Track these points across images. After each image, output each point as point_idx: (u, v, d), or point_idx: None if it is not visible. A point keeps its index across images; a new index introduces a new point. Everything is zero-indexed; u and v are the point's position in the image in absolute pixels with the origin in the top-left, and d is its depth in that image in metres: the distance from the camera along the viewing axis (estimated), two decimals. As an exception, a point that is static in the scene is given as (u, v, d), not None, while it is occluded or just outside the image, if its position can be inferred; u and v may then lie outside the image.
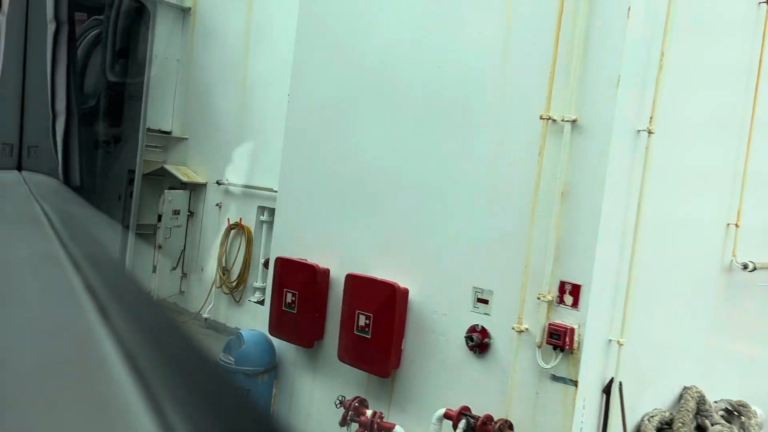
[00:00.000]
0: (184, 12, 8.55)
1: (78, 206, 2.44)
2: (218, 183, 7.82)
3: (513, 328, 4.17)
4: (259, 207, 7.37)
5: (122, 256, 7.84)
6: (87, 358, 0.81)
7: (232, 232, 7.62)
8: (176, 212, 8.01)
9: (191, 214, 8.28)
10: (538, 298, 4.04)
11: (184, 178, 8.05)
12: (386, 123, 4.78)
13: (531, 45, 4.18)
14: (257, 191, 7.29)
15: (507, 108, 4.31)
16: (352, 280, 4.67)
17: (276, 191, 6.74)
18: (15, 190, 2.49)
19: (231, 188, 7.72)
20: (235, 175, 7.63)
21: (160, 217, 7.82)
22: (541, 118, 4.09)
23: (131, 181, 8.28)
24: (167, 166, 8.23)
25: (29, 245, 1.30)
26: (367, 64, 4.92)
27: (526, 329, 4.12)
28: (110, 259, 1.29)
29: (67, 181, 4.42)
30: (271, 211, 7.05)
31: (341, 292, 4.86)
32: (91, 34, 8.32)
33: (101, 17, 8.24)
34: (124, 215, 8.41)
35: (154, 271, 8.07)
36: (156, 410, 0.64)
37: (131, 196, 8.10)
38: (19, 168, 3.64)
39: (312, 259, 5.12)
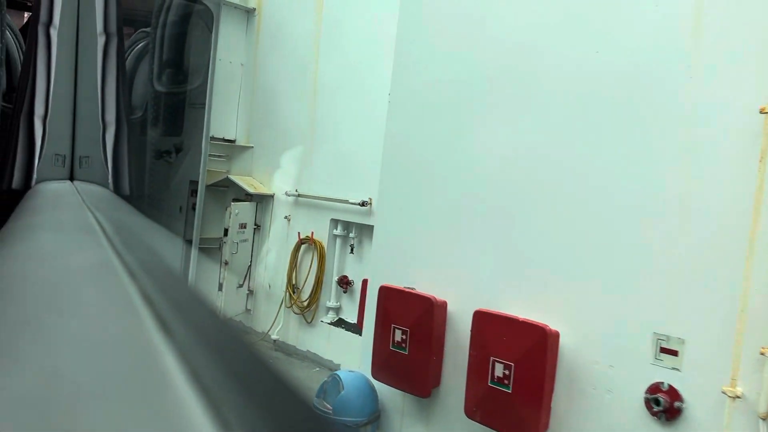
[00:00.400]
0: (249, 13, 9.60)
1: (131, 215, 2.74)
2: (287, 194, 8.69)
3: (723, 392, 3.74)
4: (332, 220, 8.06)
5: (185, 271, 8.82)
6: (149, 372, 0.87)
7: (303, 246, 8.44)
8: (243, 226, 8.92)
9: (257, 227, 9.22)
10: (762, 354, 3.60)
11: (250, 189, 8.97)
12: (521, 124, 4.79)
13: (731, 20, 3.83)
14: (330, 203, 8.01)
15: (706, 101, 3.96)
16: (483, 319, 4.69)
17: (353, 203, 7.61)
18: (68, 199, 2.87)
19: (301, 200, 8.55)
20: (306, 186, 8.46)
21: (226, 231, 8.75)
22: (761, 112, 3.70)
23: (193, 192, 9.28)
24: (232, 177, 9.21)
25: (84, 254, 1.46)
26: (495, 53, 4.96)
27: (742, 394, 3.68)
28: (166, 269, 1.40)
29: (122, 191, 5.10)
30: (345, 225, 7.96)
31: (462, 331, 4.92)
32: (151, 39, 9.48)
33: (160, 22, 9.39)
34: (185, 228, 9.52)
35: (220, 288, 8.93)
36: (223, 430, 0.66)
37: (194, 207, 9.10)
38: (71, 178, 4.35)
39: (421, 288, 5.26)
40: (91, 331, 0.97)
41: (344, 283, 8.04)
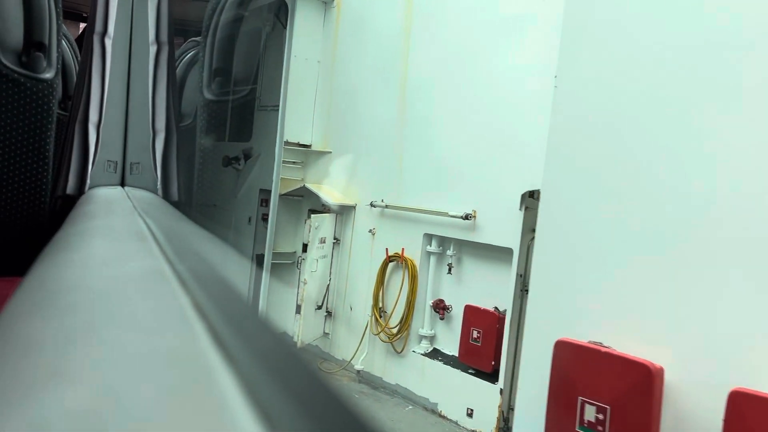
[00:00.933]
0: (326, 5, 8.80)
1: (181, 222, 2.76)
2: (372, 205, 7.81)
3: None
4: (425, 235, 7.19)
5: (255, 290, 8.34)
6: (204, 389, 0.84)
7: (391, 264, 7.56)
8: (322, 240, 8.11)
9: (336, 241, 8.39)
10: None
11: (330, 200, 8.18)
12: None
13: None
14: (423, 215, 7.15)
15: None
16: (748, 403, 3.29)
17: (453, 216, 6.67)
18: (120, 205, 2.92)
19: (388, 211, 7.65)
20: (394, 196, 7.59)
21: (305, 247, 7.95)
22: None
23: (264, 202, 8.75)
24: (309, 185, 8.49)
25: (136, 262, 1.46)
26: (708, 31, 3.87)
27: None
28: (219, 279, 1.38)
29: (171, 197, 5.21)
30: (442, 240, 7.06)
31: (691, 413, 3.65)
32: (217, 37, 9.52)
33: (228, 17, 9.40)
34: (255, 241, 8.99)
35: (298, 311, 8.03)
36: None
37: (264, 219, 8.62)
38: (122, 184, 4.49)
39: (614, 344, 3.97)
40: (145, 345, 0.95)
41: (440, 308, 7.03)
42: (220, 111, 9.96)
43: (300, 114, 8.65)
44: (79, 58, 8.91)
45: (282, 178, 8.36)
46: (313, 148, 8.78)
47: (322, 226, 8.05)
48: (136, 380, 0.84)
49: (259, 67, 9.65)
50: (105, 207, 2.97)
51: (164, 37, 5.72)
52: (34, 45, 6.30)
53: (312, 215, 8.00)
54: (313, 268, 7.98)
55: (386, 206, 7.63)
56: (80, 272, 1.41)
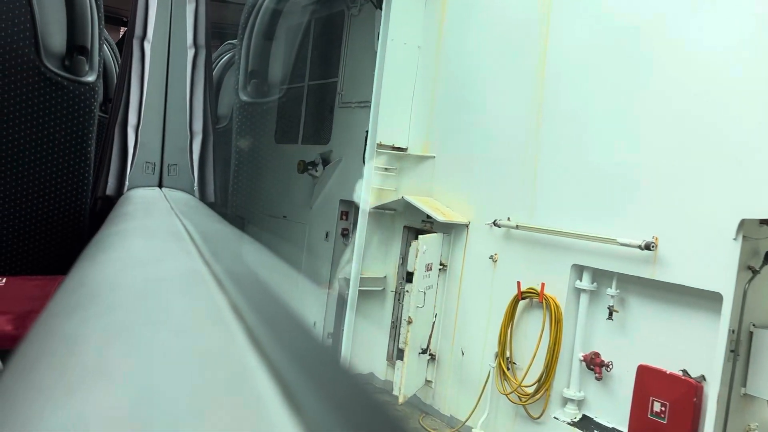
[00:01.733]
0: None
1: (220, 224, 2.79)
2: (495, 224, 6.21)
3: None
4: (574, 266, 5.55)
5: (338, 322, 7.12)
6: (240, 390, 0.83)
7: (523, 302, 5.97)
8: (428, 267, 6.66)
9: (443, 267, 6.83)
10: None
11: (438, 216, 6.60)
12: None
13: None
14: (571, 240, 5.48)
15: None
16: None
17: (623, 244, 4.96)
18: (158, 206, 2.98)
19: (518, 233, 6.06)
20: (526, 213, 5.97)
21: (410, 276, 6.45)
22: None
23: (344, 215, 7.71)
24: (409, 198, 6.97)
25: (174, 262, 1.47)
26: None
27: None
28: (255, 280, 1.38)
29: (207, 198, 5.30)
30: (597, 274, 5.44)
31: None
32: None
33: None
34: (333, 261, 7.71)
35: (401, 357, 6.47)
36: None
37: (344, 234, 7.59)
38: (160, 185, 4.62)
39: None
40: (183, 346, 0.95)
41: (595, 363, 5.37)
42: (290, 109, 8.95)
43: (395, 111, 7.11)
44: (119, 62, 9.15)
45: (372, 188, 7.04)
46: (410, 151, 7.25)
47: (430, 249, 6.61)
48: (174, 380, 0.84)
49: (341, 57, 8.31)
50: (143, 208, 3.04)
51: (202, 40, 5.84)
52: (76, 49, 6.50)
53: (420, 237, 6.50)
54: (420, 303, 6.46)
55: (517, 226, 5.99)
56: (119, 272, 1.44)
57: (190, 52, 5.74)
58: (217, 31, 10.52)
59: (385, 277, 7.39)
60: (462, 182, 6.74)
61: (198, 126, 5.58)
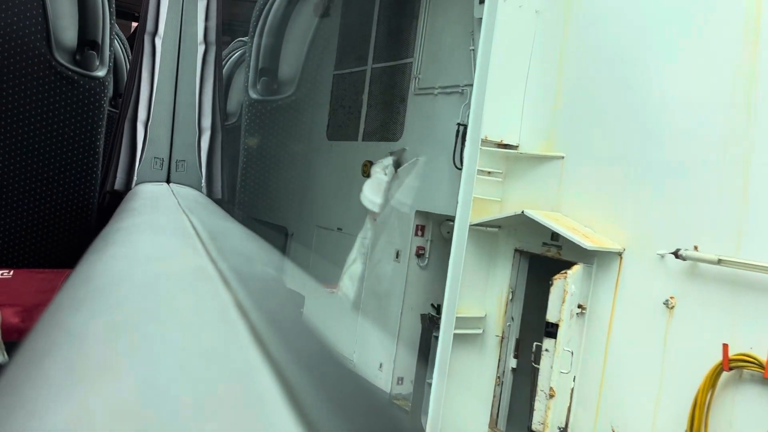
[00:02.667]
0: None
1: (227, 221, 2.81)
2: (676, 255, 4.33)
3: None
4: None
5: (420, 370, 5.41)
6: (243, 387, 0.84)
7: (727, 375, 4.10)
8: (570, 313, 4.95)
9: (581, 311, 4.92)
10: None
11: (585, 242, 4.72)
12: None
13: None
14: None
15: None
16: None
17: None
18: (165, 202, 3.00)
19: (712, 269, 4.20)
20: (728, 241, 4.16)
21: (553, 328, 4.80)
22: None
23: (420, 230, 6.00)
24: (533, 213, 5.04)
25: (180, 259, 1.49)
26: None
27: None
28: (260, 278, 1.40)
29: (214, 194, 5.32)
30: None
31: None
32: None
33: None
34: (406, 288, 5.91)
35: None
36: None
37: (421, 255, 5.94)
38: (168, 181, 4.66)
39: None
40: (186, 343, 0.96)
41: None
42: (347, 100, 7.32)
43: (502, 96, 5.38)
44: (130, 57, 9.19)
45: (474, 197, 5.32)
46: (522, 149, 5.42)
47: (577, 288, 4.88)
48: (176, 377, 0.85)
49: (417, 32, 6.72)
50: (151, 203, 3.06)
51: (212, 37, 5.86)
52: (87, 43, 6.54)
53: (569, 272, 4.83)
54: (566, 368, 4.79)
55: (719, 261, 4.10)
56: (126, 268, 1.46)
57: (201, 49, 5.76)
58: (230, 27, 10.52)
59: (484, 316, 5.57)
60: (609, 193, 4.84)
61: (207, 122, 5.60)
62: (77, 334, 1.01)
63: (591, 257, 4.86)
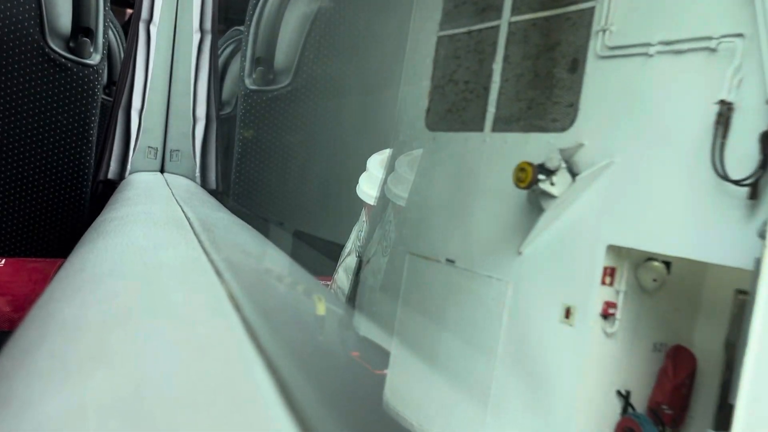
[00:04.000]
0: None
1: (220, 211, 2.80)
2: None
3: None
4: None
5: None
6: (236, 381, 0.85)
7: None
8: None
9: None
10: None
11: None
12: None
13: None
14: None
15: None
16: None
17: None
18: (159, 192, 2.99)
19: None
20: None
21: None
22: None
23: (609, 274, 2.96)
24: None
25: (173, 251, 1.49)
26: None
27: None
28: (253, 269, 1.40)
29: (208, 185, 5.26)
30: None
31: None
32: None
33: None
34: (584, 369, 3.70)
35: None
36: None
37: (609, 316, 3.03)
38: (162, 170, 4.61)
39: None
40: (179, 335, 0.97)
41: None
42: (461, 70, 4.45)
43: None
44: (124, 44, 9.14)
45: None
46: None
47: None
48: (169, 368, 0.86)
49: None
50: (144, 193, 3.05)
51: (208, 25, 5.81)
52: (81, 30, 6.48)
53: None
54: None
55: None
56: (119, 259, 1.45)
57: (196, 37, 5.72)
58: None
59: None
60: None
61: (201, 112, 5.57)
62: (69, 325, 1.01)
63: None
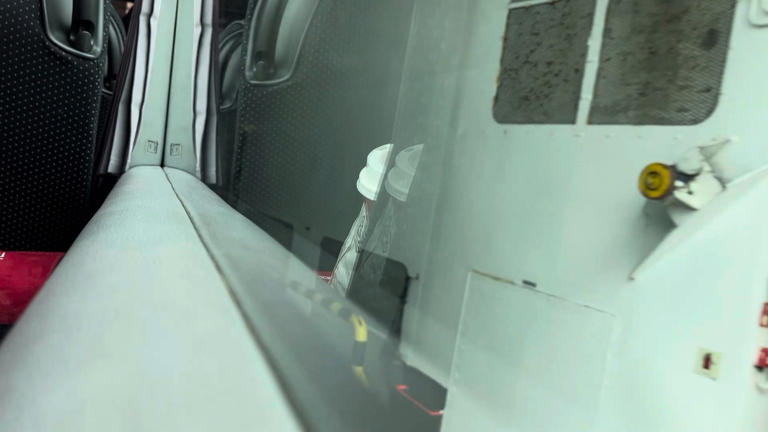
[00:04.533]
0: None
1: (220, 206, 2.80)
2: None
3: None
4: None
5: None
6: (236, 378, 0.85)
7: None
8: None
9: None
10: None
11: None
12: None
13: None
14: None
15: None
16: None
17: None
18: (159, 186, 2.99)
19: None
20: None
21: None
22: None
23: None
24: None
25: (173, 245, 1.49)
26: None
27: None
28: (254, 265, 1.40)
29: (208, 179, 5.27)
30: None
31: None
32: None
33: None
34: None
35: None
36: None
37: (761, 367, 1.06)
38: (162, 164, 4.62)
39: None
40: (179, 330, 0.97)
41: None
42: (548, 46, 1.60)
43: None
44: (124, 38, 9.12)
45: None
46: None
47: None
48: (169, 363, 0.86)
49: None
50: (144, 187, 3.05)
51: (209, 18, 5.81)
52: (82, 23, 6.46)
53: None
54: None
55: None
56: (119, 253, 1.46)
57: (197, 31, 5.71)
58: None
59: None
60: None
61: (202, 106, 5.57)
62: (69, 319, 1.01)
63: None
